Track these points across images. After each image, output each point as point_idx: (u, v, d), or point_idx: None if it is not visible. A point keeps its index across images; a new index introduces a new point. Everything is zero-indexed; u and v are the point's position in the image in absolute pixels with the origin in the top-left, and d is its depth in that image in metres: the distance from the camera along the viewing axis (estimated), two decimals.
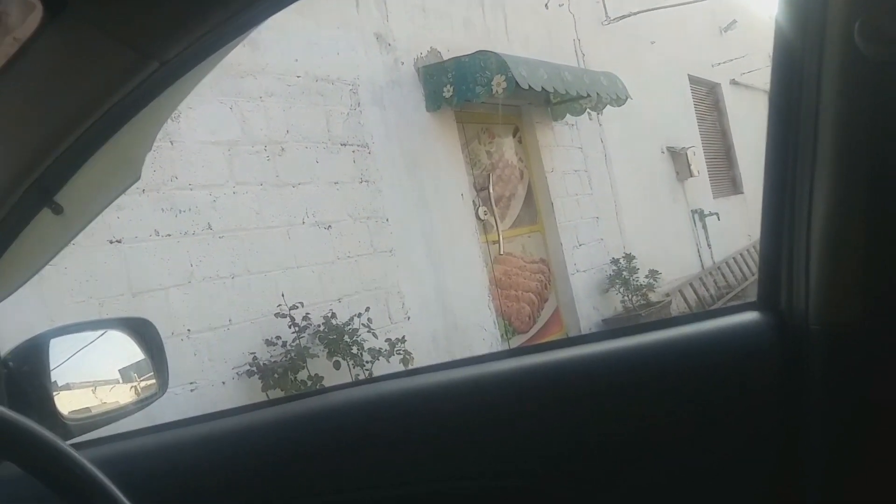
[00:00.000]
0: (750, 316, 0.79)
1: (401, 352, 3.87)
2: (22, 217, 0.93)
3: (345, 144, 4.31)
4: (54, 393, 0.98)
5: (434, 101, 5.01)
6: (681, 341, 0.81)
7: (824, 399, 0.70)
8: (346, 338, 3.65)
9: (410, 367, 3.75)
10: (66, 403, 1.00)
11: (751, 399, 0.76)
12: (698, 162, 8.54)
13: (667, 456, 0.79)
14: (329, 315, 3.74)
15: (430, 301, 4.67)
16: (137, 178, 1.03)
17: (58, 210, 0.95)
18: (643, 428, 0.80)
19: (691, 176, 8.30)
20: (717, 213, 8.56)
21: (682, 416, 0.79)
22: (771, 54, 0.72)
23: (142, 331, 1.11)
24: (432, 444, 0.87)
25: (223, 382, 3.37)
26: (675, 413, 0.79)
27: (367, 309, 3.92)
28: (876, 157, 0.66)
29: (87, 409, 1.05)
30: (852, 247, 0.67)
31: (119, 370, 1.11)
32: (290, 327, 3.55)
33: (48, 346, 1.00)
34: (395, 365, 3.82)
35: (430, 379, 0.94)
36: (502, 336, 5.25)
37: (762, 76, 8.80)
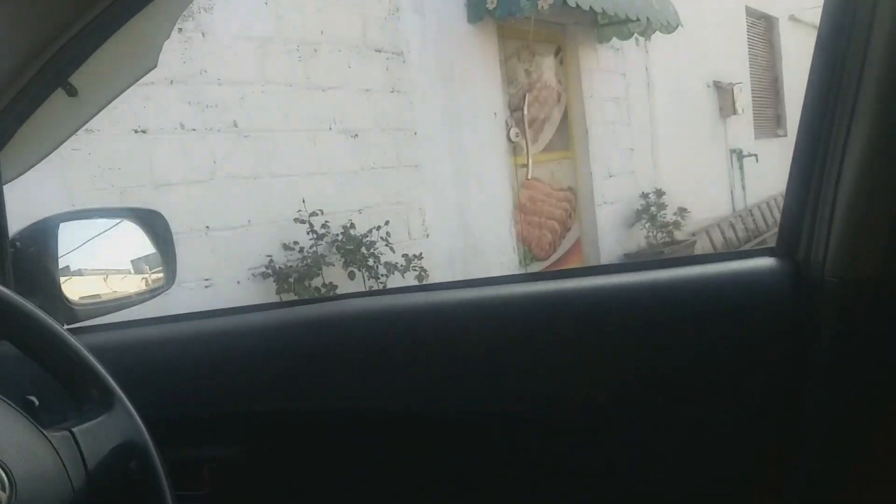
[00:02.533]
0: (766, 262, 0.77)
1: (416, 268, 3.88)
2: (36, 96, 0.92)
3: (379, 51, 4.20)
4: (61, 277, 0.99)
5: (476, 12, 4.82)
6: (694, 281, 0.80)
7: (832, 353, 0.69)
8: (364, 249, 3.66)
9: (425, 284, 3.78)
10: (73, 289, 1.01)
11: (758, 345, 0.75)
12: (744, 100, 8.24)
13: (670, 394, 0.79)
14: (348, 225, 3.74)
15: (451, 220, 4.64)
16: (154, 66, 1.01)
17: (72, 92, 0.94)
18: (649, 364, 0.79)
19: (734, 114, 8.03)
20: (755, 155, 8.33)
21: (688, 355, 0.78)
22: None
23: (152, 222, 1.11)
24: (440, 362, 0.87)
25: (238, 282, 3.41)
26: (681, 352, 0.78)
27: (387, 222, 3.91)
28: None
29: (94, 295, 1.06)
30: (881, 202, 0.64)
31: (127, 260, 1.11)
32: (308, 233, 3.56)
33: (57, 230, 1.00)
34: (409, 280, 3.85)
35: (443, 296, 0.94)
36: (520, 262, 5.25)
37: None
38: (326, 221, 3.64)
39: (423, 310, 0.92)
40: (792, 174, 0.73)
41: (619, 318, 0.81)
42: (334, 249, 3.66)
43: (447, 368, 0.86)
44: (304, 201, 3.63)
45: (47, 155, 1.07)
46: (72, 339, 0.69)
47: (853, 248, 0.67)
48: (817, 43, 0.70)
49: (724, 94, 7.97)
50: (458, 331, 0.87)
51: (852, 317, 0.68)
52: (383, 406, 0.89)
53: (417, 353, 0.88)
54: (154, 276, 1.08)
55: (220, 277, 3.35)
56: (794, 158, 0.73)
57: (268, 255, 3.49)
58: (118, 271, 1.11)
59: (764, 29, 9.58)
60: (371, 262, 3.68)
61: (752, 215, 8.31)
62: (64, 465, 0.62)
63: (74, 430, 0.64)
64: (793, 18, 9.95)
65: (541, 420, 0.85)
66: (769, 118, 9.65)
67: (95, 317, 1.02)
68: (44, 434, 0.62)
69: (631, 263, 0.92)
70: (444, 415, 0.88)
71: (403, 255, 3.89)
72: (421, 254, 4.01)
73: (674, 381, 0.79)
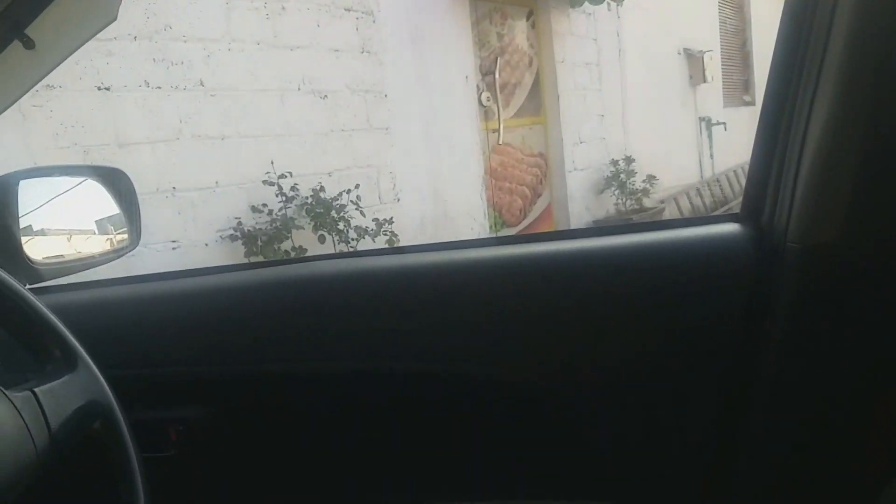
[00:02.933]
0: (730, 227, 0.78)
1: (387, 233, 3.87)
2: None
3: (349, 10, 4.11)
4: (23, 236, 0.96)
5: None
6: (659, 245, 0.81)
7: (792, 316, 0.71)
8: (334, 213, 3.63)
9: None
10: (35, 248, 0.98)
11: (721, 308, 0.77)
12: (714, 68, 8.27)
13: (634, 354, 0.81)
14: (318, 188, 3.70)
15: (422, 185, 4.62)
16: (114, 19, 0.97)
17: (29, 44, 0.90)
18: (615, 325, 0.81)
19: (704, 81, 8.06)
20: (724, 124, 8.39)
21: (651, 317, 0.80)
22: None
23: (115, 181, 1.08)
24: (411, 323, 0.88)
25: (206, 244, 3.37)
26: (645, 314, 0.80)
27: (357, 186, 3.88)
28: (882, 81, 0.63)
29: (57, 255, 1.04)
30: (843, 170, 0.66)
31: (91, 219, 1.09)
32: (277, 196, 3.52)
33: (17, 188, 0.97)
34: (379, 245, 3.83)
35: (415, 259, 0.94)
36: (491, 227, 5.26)
37: None
38: (296, 184, 3.60)
39: (395, 272, 0.92)
40: (757, 142, 0.75)
41: (588, 281, 0.83)
42: (304, 212, 3.62)
43: (418, 330, 0.87)
44: (272, 163, 3.57)
45: (5, 109, 1.03)
46: (33, 299, 0.68)
47: (815, 215, 0.68)
48: (784, 11, 0.70)
49: (694, 61, 7.99)
50: (430, 292, 0.88)
51: (812, 282, 0.69)
52: (353, 367, 0.90)
53: (389, 315, 0.88)
54: (118, 237, 1.07)
55: (188, 240, 3.30)
56: (759, 126, 0.74)
57: (236, 218, 3.44)
58: (81, 231, 1.09)
59: None
60: (341, 225, 3.66)
61: (719, 183, 8.41)
62: (26, 426, 0.61)
63: (36, 390, 0.63)
64: None
65: (507, 380, 0.86)
66: (737, 86, 9.72)
67: (58, 277, 1.01)
68: (5, 394, 0.62)
69: (599, 228, 0.93)
70: (413, 375, 0.89)
71: (374, 220, 3.87)
72: (392, 218, 3.99)
73: (637, 341, 0.80)
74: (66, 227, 1.08)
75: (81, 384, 0.67)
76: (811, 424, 0.72)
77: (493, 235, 5.22)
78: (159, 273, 1.04)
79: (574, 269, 0.84)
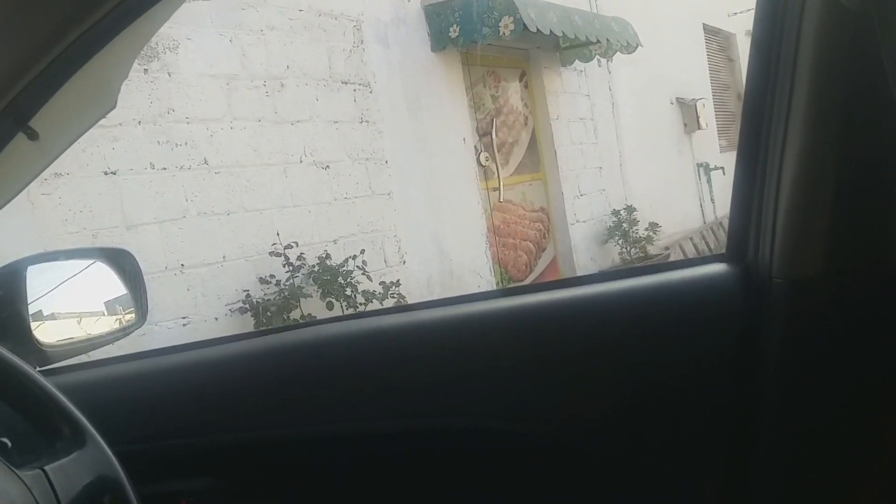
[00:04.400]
0: (717, 267, 0.80)
1: (395, 295, 3.89)
2: None
3: (346, 83, 4.24)
4: (32, 320, 0.99)
5: (439, 41, 4.90)
6: (651, 289, 0.83)
7: (780, 348, 0.72)
8: (341, 279, 3.66)
9: None
10: (45, 332, 1.01)
11: (712, 345, 0.78)
12: (707, 114, 8.41)
13: (631, 395, 0.82)
14: (324, 255, 3.74)
15: (427, 246, 4.66)
16: (113, 107, 1.02)
17: (33, 136, 0.94)
18: (612, 371, 0.82)
19: (699, 128, 8.18)
20: (722, 168, 8.47)
21: (646, 358, 0.81)
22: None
23: (121, 261, 1.11)
24: (418, 379, 0.88)
25: (216, 318, 3.39)
26: (640, 355, 0.81)
27: (363, 251, 3.92)
28: (849, 113, 0.65)
29: (66, 336, 1.06)
30: (819, 203, 0.68)
31: (98, 300, 1.11)
32: (284, 266, 3.56)
33: (25, 273, 1.00)
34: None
35: (419, 316, 0.95)
36: (498, 283, 5.27)
37: None
38: (302, 253, 3.64)
39: (399, 330, 0.93)
40: (736, 182, 0.77)
41: (585, 329, 0.84)
42: (311, 280, 3.65)
43: (427, 387, 0.88)
44: (278, 234, 3.63)
45: (11, 200, 1.06)
46: (40, 379, 0.70)
47: (796, 250, 0.70)
48: (750, 54, 0.73)
49: (687, 109, 8.13)
50: (435, 348, 0.89)
51: (798, 314, 0.71)
52: (362, 428, 0.90)
53: (395, 373, 0.89)
54: (126, 315, 1.09)
55: (198, 315, 3.33)
56: (736, 166, 0.77)
57: (245, 290, 3.48)
58: (89, 312, 1.11)
59: (722, 45, 9.81)
60: (349, 291, 3.68)
61: (721, 227, 8.43)
62: None
63: (46, 468, 0.65)
64: (749, 34, 10.17)
65: (515, 431, 0.86)
66: (733, 131, 9.85)
67: (68, 358, 1.02)
68: (16, 474, 0.63)
69: (593, 275, 0.95)
70: (426, 433, 0.89)
71: (381, 283, 3.90)
72: (398, 280, 4.02)
73: (637, 385, 0.81)
74: (74, 309, 1.10)
75: (90, 460, 0.68)
76: (813, 453, 0.72)
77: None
78: (164, 347, 1.06)
79: (571, 317, 0.85)
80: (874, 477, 0.69)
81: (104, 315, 1.11)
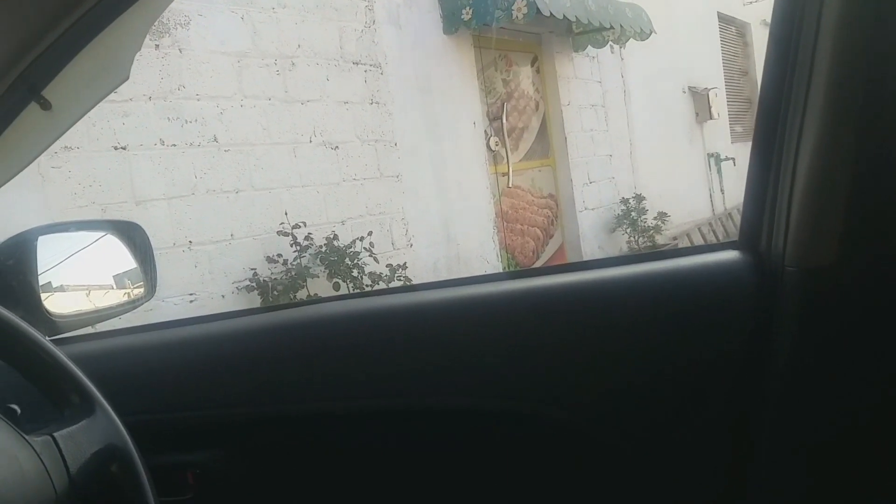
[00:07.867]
0: (729, 255, 0.80)
1: (401, 278, 3.89)
2: (9, 111, 0.92)
3: (357, 63, 4.22)
4: (42, 291, 0.99)
5: (452, 23, 4.87)
6: (662, 275, 0.82)
7: (793, 337, 0.71)
8: (347, 260, 3.66)
9: None
10: (55, 302, 1.01)
11: (724, 333, 0.77)
12: (719, 104, 8.35)
13: (643, 381, 0.81)
14: (331, 236, 3.75)
15: (435, 229, 4.66)
16: (126, 78, 1.01)
17: (46, 106, 0.94)
18: (621, 356, 0.82)
19: (711, 118, 8.13)
20: (733, 159, 8.43)
21: (658, 344, 0.81)
22: None
23: (131, 234, 1.11)
24: (424, 360, 0.89)
25: (222, 296, 3.41)
26: (652, 341, 0.81)
27: (370, 233, 3.92)
28: (867, 102, 0.65)
29: (75, 308, 1.06)
30: (835, 192, 0.67)
31: (108, 272, 1.12)
32: (291, 246, 3.56)
33: (35, 243, 1.00)
34: None
35: (424, 297, 0.95)
36: (505, 268, 5.27)
37: None
38: (310, 233, 3.65)
39: (405, 310, 0.93)
40: (750, 170, 0.76)
41: (595, 313, 0.84)
42: (318, 261, 3.66)
43: (429, 367, 0.88)
44: (286, 214, 3.63)
45: (22, 169, 1.07)
46: (52, 347, 0.70)
47: (810, 239, 0.69)
48: (768, 42, 0.73)
49: (699, 99, 8.07)
50: (440, 329, 0.89)
51: (811, 303, 0.71)
52: (366, 407, 0.91)
53: (401, 353, 0.89)
54: (135, 289, 1.09)
55: (205, 292, 3.34)
56: (751, 156, 0.76)
57: (252, 269, 3.49)
58: (98, 284, 1.12)
59: (736, 34, 9.71)
60: (355, 272, 3.69)
61: (731, 218, 8.40)
62: (46, 470, 0.63)
63: (56, 434, 0.65)
64: (764, 23, 10.10)
65: (521, 412, 0.86)
66: (745, 122, 9.78)
67: (77, 328, 1.03)
68: (25, 439, 0.63)
69: (603, 260, 0.94)
70: (428, 413, 0.89)
71: (388, 265, 3.90)
72: (405, 263, 4.02)
73: (647, 371, 0.81)
74: (82, 280, 1.11)
75: (99, 429, 0.69)
76: (820, 443, 0.72)
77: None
78: (174, 320, 1.06)
79: (580, 301, 0.85)
80: (891, 464, 0.69)
81: (113, 287, 1.11)
